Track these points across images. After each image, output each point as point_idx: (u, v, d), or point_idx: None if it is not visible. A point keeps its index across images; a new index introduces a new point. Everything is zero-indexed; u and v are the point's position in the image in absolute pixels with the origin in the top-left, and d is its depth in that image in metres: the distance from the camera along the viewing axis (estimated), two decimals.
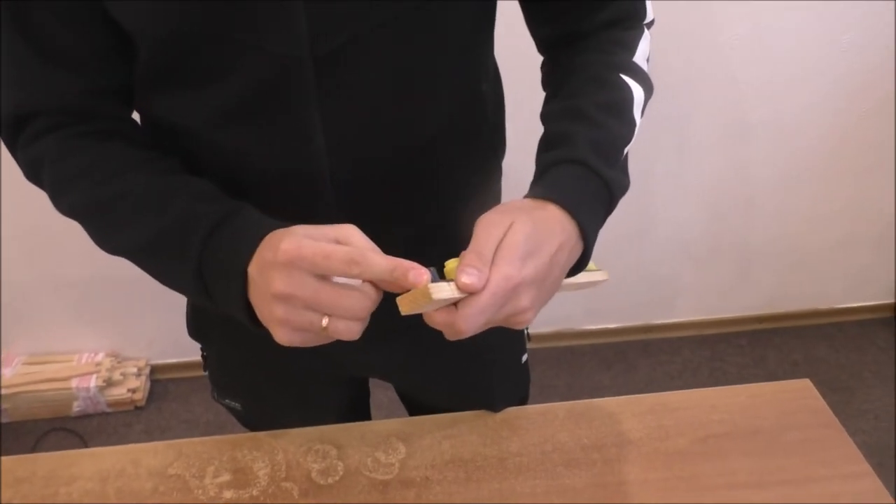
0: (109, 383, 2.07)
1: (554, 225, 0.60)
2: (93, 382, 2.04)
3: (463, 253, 0.58)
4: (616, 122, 0.68)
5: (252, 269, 0.59)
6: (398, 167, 0.72)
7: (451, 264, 0.59)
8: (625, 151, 0.68)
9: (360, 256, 0.55)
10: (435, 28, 0.66)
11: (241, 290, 0.59)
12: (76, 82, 0.66)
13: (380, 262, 0.55)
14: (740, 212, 2.04)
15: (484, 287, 0.55)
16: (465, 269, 0.55)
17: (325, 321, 0.55)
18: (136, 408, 2.11)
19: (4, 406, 2.05)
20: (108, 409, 2.09)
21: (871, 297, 2.28)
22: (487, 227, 0.58)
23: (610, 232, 2.06)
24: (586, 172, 0.64)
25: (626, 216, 2.00)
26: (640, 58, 0.73)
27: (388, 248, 0.64)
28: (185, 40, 0.61)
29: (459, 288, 0.55)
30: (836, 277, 2.22)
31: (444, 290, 0.55)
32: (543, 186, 0.63)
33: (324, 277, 0.56)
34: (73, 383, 2.04)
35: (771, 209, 2.04)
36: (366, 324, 0.58)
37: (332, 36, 0.61)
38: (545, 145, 0.68)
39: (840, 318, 2.30)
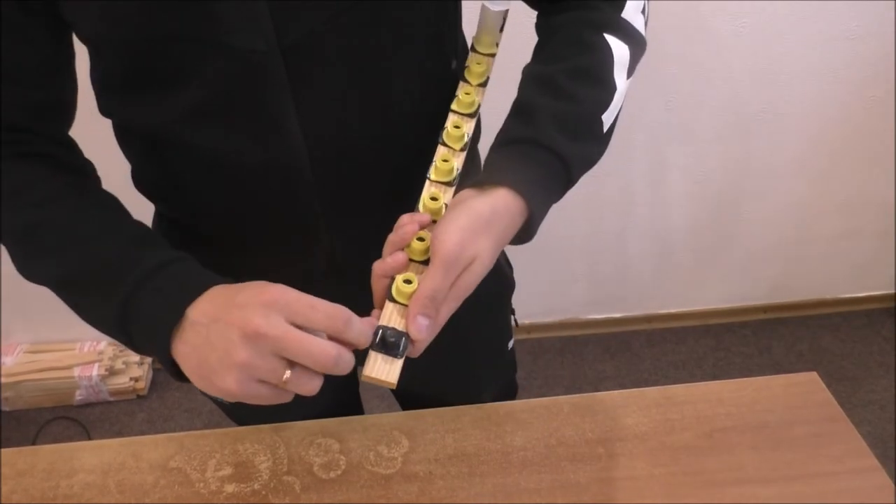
0: (111, 372, 2.06)
1: (508, 227, 0.62)
2: (95, 371, 2.03)
3: (420, 287, 0.59)
4: (589, 90, 0.66)
5: (198, 315, 0.57)
6: (376, 151, 0.72)
7: (416, 246, 0.61)
8: (602, 119, 0.67)
9: (345, 314, 0.55)
10: (399, 14, 0.65)
11: (170, 332, 0.57)
12: (10, 94, 0.64)
13: (362, 326, 0.56)
14: (745, 201, 2.02)
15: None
16: (417, 320, 0.58)
17: (287, 374, 0.54)
18: (139, 397, 2.11)
19: (6, 395, 2.05)
20: (111, 398, 2.09)
21: (876, 287, 2.27)
22: (449, 265, 0.58)
23: (613, 222, 2.06)
24: (543, 154, 0.64)
25: (630, 206, 2.00)
26: (631, 11, 0.70)
27: (371, 232, 0.63)
28: (150, 43, 0.60)
29: (411, 337, 0.59)
30: (842, 267, 2.21)
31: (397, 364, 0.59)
32: (498, 170, 0.64)
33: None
34: (75, 372, 2.03)
35: (776, 198, 2.03)
36: (321, 380, 0.57)
37: (296, 26, 0.61)
38: (511, 113, 0.68)
39: (845, 307, 2.29)
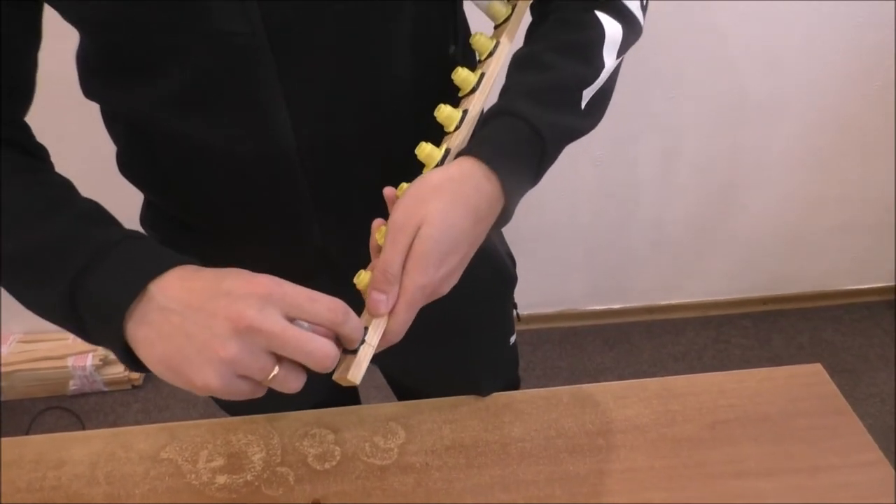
0: (106, 362, 2.05)
1: (470, 193, 0.60)
2: (89, 361, 2.02)
3: (373, 264, 0.58)
4: (571, 63, 0.64)
5: (169, 299, 0.52)
6: (366, 137, 0.70)
7: (381, 241, 0.60)
8: (583, 93, 0.65)
9: (344, 307, 0.53)
10: None
11: (126, 308, 0.52)
12: None
13: (357, 321, 0.55)
14: (746, 192, 2.01)
15: (399, 299, 0.57)
16: (373, 295, 0.57)
17: (275, 370, 0.51)
18: (133, 387, 2.10)
19: (0, 384, 2.04)
20: (105, 388, 2.08)
21: (876, 279, 2.26)
22: (395, 233, 0.57)
23: (613, 212, 2.04)
24: (509, 120, 0.62)
25: (629, 196, 1.98)
26: None
27: (364, 227, 0.62)
28: (134, 28, 0.58)
29: (370, 311, 0.57)
30: (842, 259, 2.19)
31: (365, 363, 0.57)
32: (469, 144, 0.63)
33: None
34: (69, 362, 2.02)
35: (777, 189, 2.01)
36: (305, 378, 0.54)
37: (283, 10, 0.59)
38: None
39: (846, 300, 2.28)
